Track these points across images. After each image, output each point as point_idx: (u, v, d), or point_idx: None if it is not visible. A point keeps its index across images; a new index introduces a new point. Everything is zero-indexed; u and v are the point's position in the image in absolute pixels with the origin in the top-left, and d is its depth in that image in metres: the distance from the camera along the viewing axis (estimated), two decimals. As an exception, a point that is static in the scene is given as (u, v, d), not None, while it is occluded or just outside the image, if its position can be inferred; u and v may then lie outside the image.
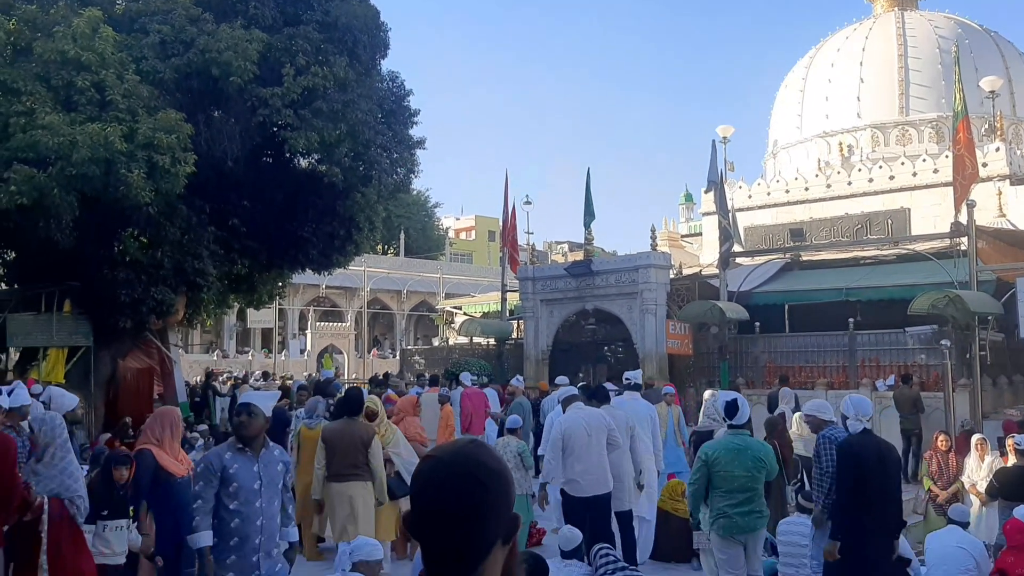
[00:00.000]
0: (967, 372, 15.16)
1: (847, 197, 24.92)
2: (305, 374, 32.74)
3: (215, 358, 41.99)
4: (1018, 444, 9.40)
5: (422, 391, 14.04)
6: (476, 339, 25.84)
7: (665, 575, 8.92)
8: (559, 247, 66.59)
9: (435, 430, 11.89)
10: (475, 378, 16.32)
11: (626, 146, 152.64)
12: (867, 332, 17.31)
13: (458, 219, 78.48)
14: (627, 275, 20.15)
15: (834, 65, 28.80)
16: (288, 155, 13.89)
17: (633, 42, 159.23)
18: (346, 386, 20.27)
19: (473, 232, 76.84)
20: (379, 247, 51.74)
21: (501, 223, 26.95)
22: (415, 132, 14.69)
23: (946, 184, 19.82)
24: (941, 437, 10.88)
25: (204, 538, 5.00)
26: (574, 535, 5.93)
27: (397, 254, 56.43)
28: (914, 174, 23.92)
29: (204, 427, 13.26)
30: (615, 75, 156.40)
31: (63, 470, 5.70)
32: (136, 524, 6.27)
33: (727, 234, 20.11)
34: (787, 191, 26.50)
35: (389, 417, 9.57)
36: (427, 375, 19.30)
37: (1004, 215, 21.96)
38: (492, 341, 24.74)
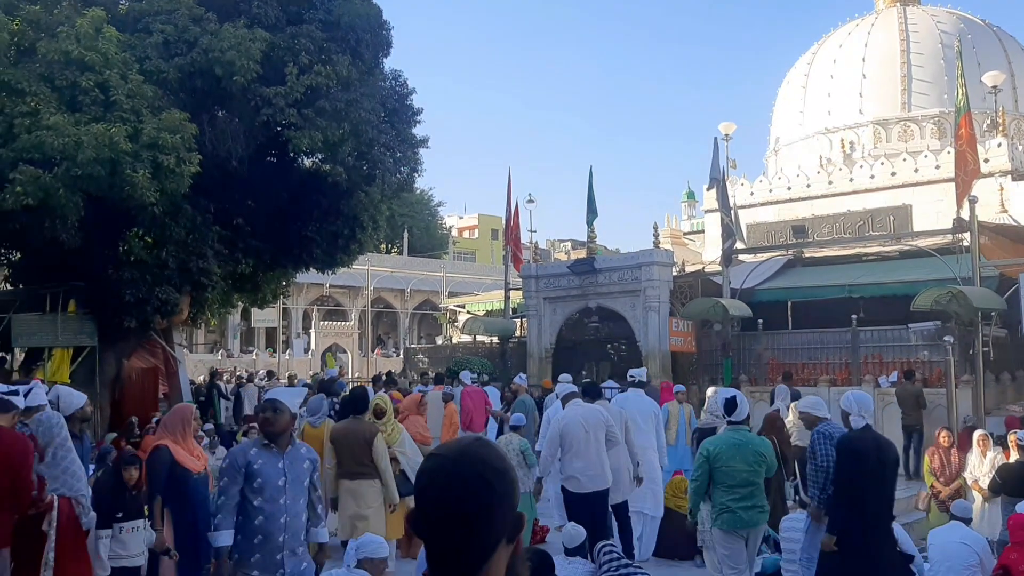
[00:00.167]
0: (970, 368, 15.16)
1: (849, 193, 24.90)
2: (311, 373, 32.78)
3: (219, 357, 42.05)
4: (1020, 440, 9.43)
5: (427, 389, 14.07)
6: (479, 337, 25.87)
7: (669, 572, 8.95)
8: (562, 245, 66.59)
9: (439, 428, 11.93)
10: (475, 376, 16.34)
11: (628, 144, 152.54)
12: (870, 328, 17.30)
13: (461, 218, 78.49)
14: (630, 273, 20.15)
15: (836, 61, 28.76)
16: (292, 154, 13.92)
17: (635, 39, 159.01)
18: (350, 385, 20.34)
19: (476, 231, 76.85)
20: (383, 246, 51.77)
21: (504, 221, 26.95)
22: (418, 131, 14.73)
23: (948, 180, 19.80)
24: (944, 433, 10.88)
25: (223, 537, 4.90)
26: (578, 532, 5.97)
27: (401, 253, 56.46)
28: (916, 170, 23.89)
29: (210, 426, 13.30)
30: (617, 72, 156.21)
31: (65, 470, 5.72)
32: (151, 521, 6.26)
33: (729, 231, 20.10)
34: (789, 188, 26.49)
35: (395, 416, 9.60)
36: (431, 373, 19.34)
37: (1006, 211, 21.93)
38: (495, 339, 24.76)
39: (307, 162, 14.87)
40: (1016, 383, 16.82)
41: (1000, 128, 23.60)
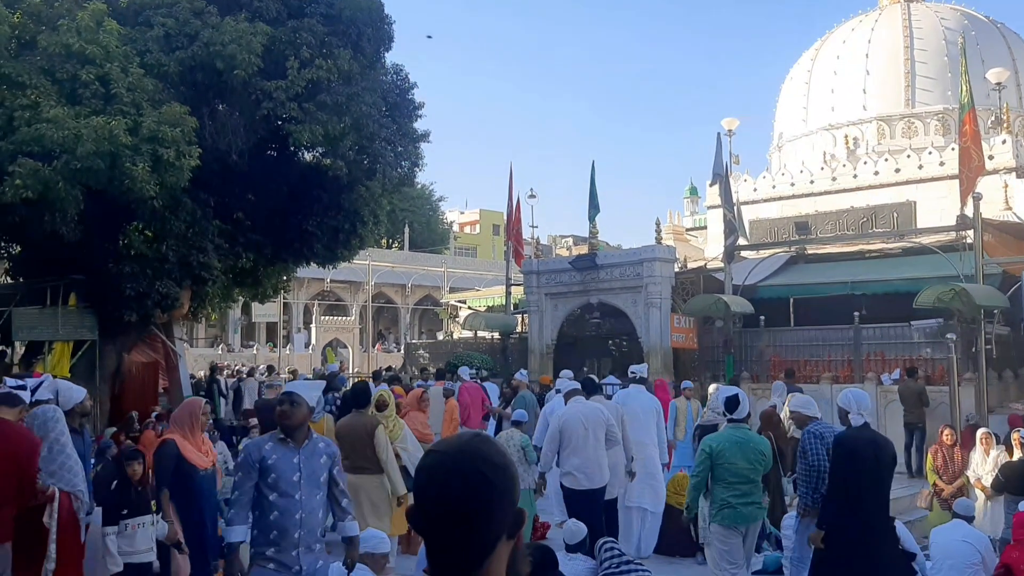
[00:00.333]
0: (972, 366, 15.10)
1: (852, 190, 24.83)
2: (314, 367, 32.79)
3: (220, 352, 42.10)
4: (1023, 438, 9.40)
5: (430, 385, 14.04)
6: (480, 333, 25.84)
7: (670, 568, 8.92)
8: (564, 241, 66.55)
9: (440, 424, 11.92)
10: (474, 372, 16.32)
11: (631, 139, 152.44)
12: (872, 326, 17.25)
13: (462, 213, 78.52)
14: (632, 269, 20.11)
15: (840, 57, 28.67)
16: (292, 148, 13.88)
17: (638, 34, 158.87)
18: (351, 380, 20.31)
19: (477, 226, 76.89)
20: (383, 241, 51.73)
21: (505, 217, 26.91)
22: (419, 125, 14.69)
23: (952, 177, 19.73)
24: (946, 431, 10.85)
25: (236, 533, 4.83)
26: (579, 529, 5.95)
27: (402, 248, 56.49)
28: (920, 167, 23.82)
29: (209, 421, 13.27)
30: (620, 67, 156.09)
31: (62, 465, 5.68)
32: (160, 514, 6.21)
33: (732, 227, 20.05)
34: (792, 184, 26.42)
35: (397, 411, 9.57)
36: (431, 369, 19.32)
37: (1010, 208, 21.86)
38: (496, 335, 24.74)
39: (308, 156, 14.84)
40: (1019, 381, 16.76)
41: (1004, 125, 23.52)
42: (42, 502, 5.53)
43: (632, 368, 10.21)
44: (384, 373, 18.47)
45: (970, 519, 7.42)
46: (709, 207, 28.73)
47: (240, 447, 14.36)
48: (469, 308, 32.28)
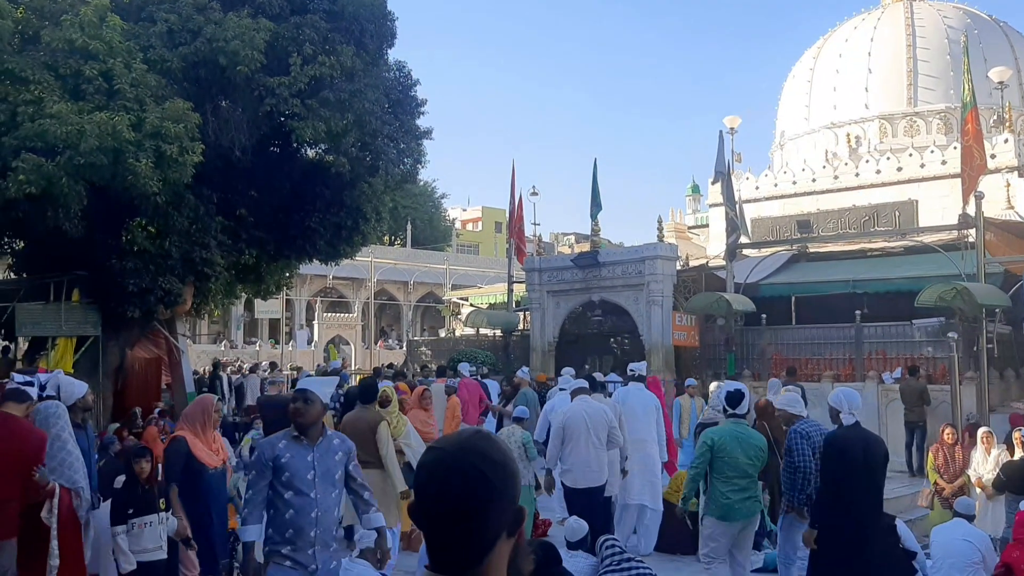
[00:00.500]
0: (974, 365, 15.10)
1: (854, 188, 24.82)
2: (317, 364, 32.80)
3: (222, 348, 42.12)
4: (1025, 437, 9.40)
5: (431, 382, 14.06)
6: (482, 330, 25.84)
7: (671, 566, 8.93)
8: (566, 238, 66.52)
9: (442, 421, 11.94)
10: (473, 369, 16.32)
11: (633, 137, 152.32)
12: (874, 324, 17.25)
13: (465, 210, 78.47)
14: (634, 266, 20.11)
15: (842, 55, 28.64)
16: (295, 145, 13.87)
17: (641, 32, 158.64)
18: (353, 377, 20.33)
19: (480, 223, 76.84)
20: (386, 238, 51.73)
21: (508, 214, 26.91)
22: (422, 122, 14.67)
23: (954, 176, 19.73)
24: (948, 430, 10.85)
25: (251, 532, 4.78)
26: (580, 526, 5.97)
27: (404, 245, 56.46)
28: (922, 165, 23.81)
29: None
30: (622, 65, 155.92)
31: (62, 461, 5.68)
32: (169, 511, 6.20)
33: (734, 225, 20.04)
34: (794, 182, 26.41)
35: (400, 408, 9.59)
36: (432, 366, 19.33)
37: (1012, 207, 21.84)
38: (498, 332, 24.74)
39: (310, 153, 14.83)
40: (1020, 380, 16.76)
41: (1007, 124, 23.50)
42: (42, 498, 5.54)
43: (631, 366, 10.23)
44: (385, 370, 18.48)
45: (971, 518, 7.43)
46: (711, 205, 28.73)
47: (242, 443, 14.42)
48: (471, 305, 32.30)
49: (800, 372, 16.06)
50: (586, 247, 24.31)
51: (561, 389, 12.26)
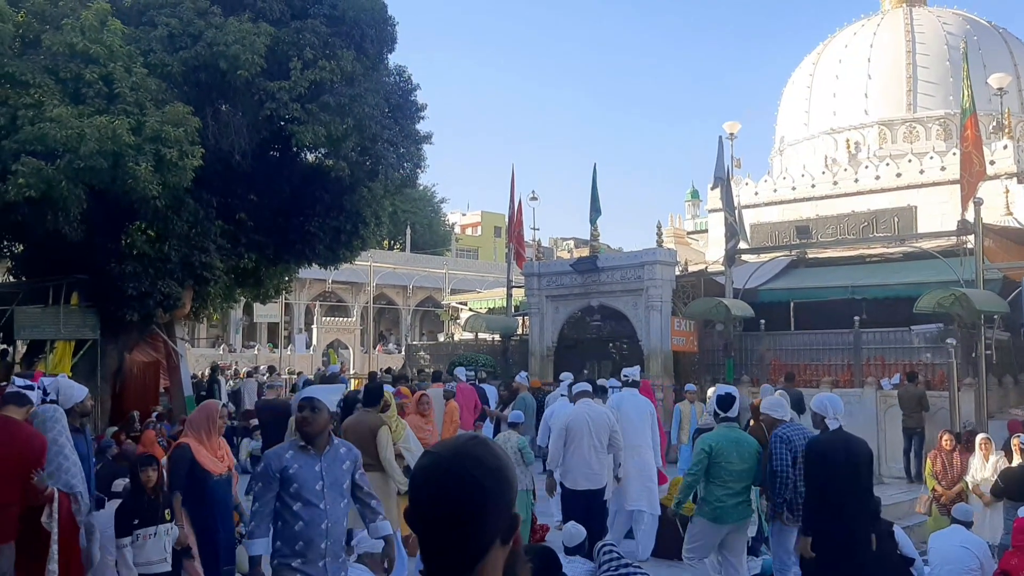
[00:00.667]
0: (972, 371, 15.10)
1: (854, 194, 24.83)
2: (317, 368, 32.80)
3: (221, 352, 42.11)
4: (1023, 444, 9.39)
5: (427, 386, 14.05)
6: (481, 335, 25.83)
7: (668, 572, 8.91)
8: (565, 243, 66.57)
9: (440, 426, 11.92)
10: (470, 373, 16.30)
11: (633, 140, 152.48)
12: (873, 330, 17.25)
13: (464, 215, 78.52)
14: (633, 272, 20.11)
15: (842, 61, 28.68)
16: (295, 149, 13.90)
17: (640, 37, 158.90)
18: (352, 381, 20.31)
19: (479, 228, 76.87)
20: (385, 242, 51.77)
21: (507, 219, 26.91)
22: (422, 127, 14.72)
23: (953, 182, 19.73)
24: (946, 436, 10.84)
25: (257, 546, 4.65)
26: (578, 531, 5.97)
27: (403, 249, 56.50)
28: (921, 171, 23.83)
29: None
30: (622, 70, 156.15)
31: (59, 465, 5.66)
32: (172, 521, 6.12)
33: (733, 231, 20.04)
34: (794, 188, 26.43)
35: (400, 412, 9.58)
36: (428, 371, 19.31)
37: (1011, 213, 21.85)
38: (497, 337, 24.73)
39: (310, 157, 14.86)
40: (1018, 386, 16.75)
41: (1006, 130, 23.53)
42: (42, 502, 5.52)
43: (625, 371, 10.21)
44: (383, 375, 18.47)
45: (969, 524, 7.42)
46: (710, 210, 28.74)
47: (240, 448, 14.42)
48: (470, 310, 32.27)
49: (799, 378, 16.05)
50: (585, 252, 24.32)
51: (562, 395, 12.28)
